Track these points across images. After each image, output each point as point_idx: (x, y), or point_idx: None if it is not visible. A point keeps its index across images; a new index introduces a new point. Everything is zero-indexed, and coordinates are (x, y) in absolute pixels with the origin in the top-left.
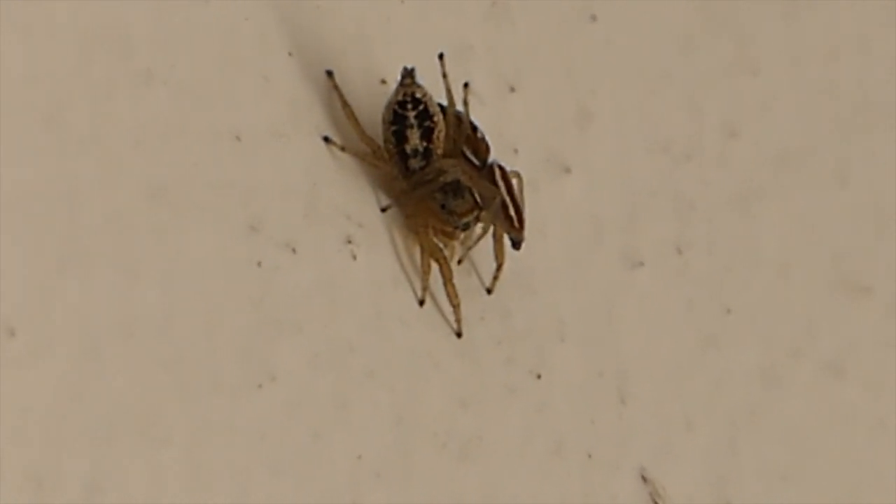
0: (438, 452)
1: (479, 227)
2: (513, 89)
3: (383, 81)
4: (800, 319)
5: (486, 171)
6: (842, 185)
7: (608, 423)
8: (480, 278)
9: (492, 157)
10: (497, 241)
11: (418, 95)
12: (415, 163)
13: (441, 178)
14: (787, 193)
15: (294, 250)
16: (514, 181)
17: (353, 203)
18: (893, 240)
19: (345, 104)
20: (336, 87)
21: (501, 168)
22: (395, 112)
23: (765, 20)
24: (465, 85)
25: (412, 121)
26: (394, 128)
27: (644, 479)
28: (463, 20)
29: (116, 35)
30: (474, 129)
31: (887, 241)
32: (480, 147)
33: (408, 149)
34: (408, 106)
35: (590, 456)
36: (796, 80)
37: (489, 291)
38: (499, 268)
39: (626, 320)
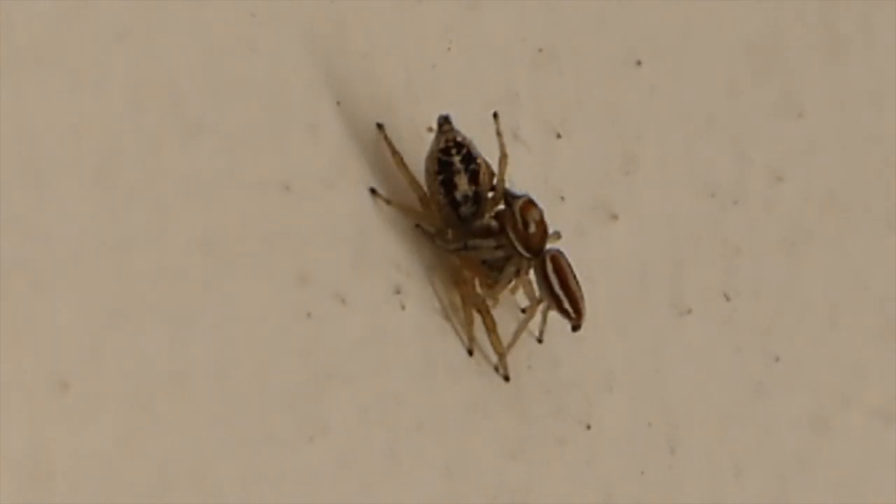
0: None
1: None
2: (559, 136)
3: (430, 129)
4: (849, 366)
5: (539, 262)
6: (889, 229)
7: (658, 474)
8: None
9: (548, 244)
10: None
11: (459, 139)
12: (466, 209)
13: (491, 251)
14: (834, 238)
15: (343, 301)
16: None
17: (401, 253)
18: None
19: (394, 152)
20: (386, 138)
21: (554, 258)
22: (439, 160)
23: (810, 64)
24: (495, 115)
25: (458, 166)
26: (441, 177)
27: None
28: (509, 67)
29: (166, 86)
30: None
31: None
32: (533, 239)
33: (458, 196)
34: (452, 152)
35: None
36: (841, 123)
37: (540, 340)
38: (543, 319)
39: (675, 369)
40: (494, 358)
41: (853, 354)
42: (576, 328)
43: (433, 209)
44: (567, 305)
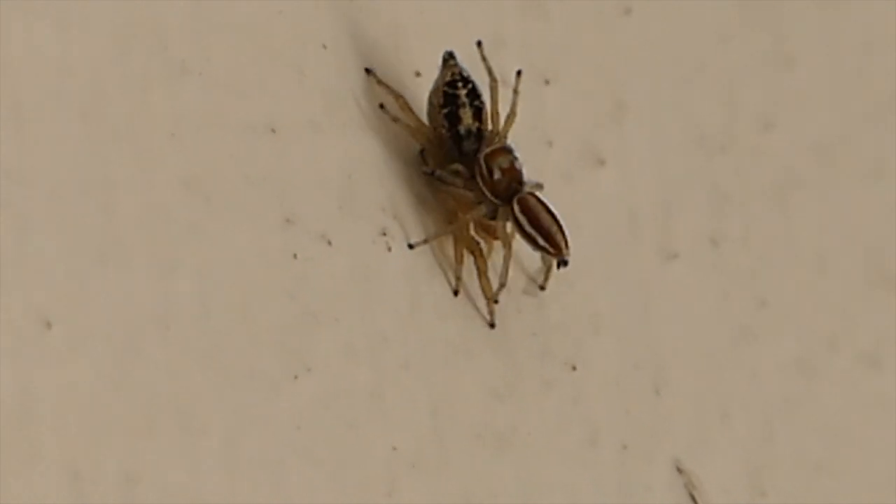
0: (473, 444)
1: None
2: (547, 82)
3: (418, 74)
4: (835, 311)
5: (507, 208)
6: (877, 177)
7: (643, 415)
8: (528, 273)
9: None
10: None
11: (465, 74)
12: (468, 145)
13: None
14: (823, 185)
15: (329, 242)
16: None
17: (387, 195)
18: None
19: (398, 96)
20: (380, 82)
21: (522, 201)
22: (445, 93)
23: (800, 12)
24: (518, 73)
25: (464, 99)
26: (445, 110)
27: (679, 470)
28: (497, 13)
29: (152, 27)
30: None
31: None
32: (499, 185)
33: (461, 129)
34: (458, 85)
35: (625, 447)
36: (832, 71)
37: (542, 287)
38: (549, 268)
39: (662, 312)
40: (481, 300)
41: (840, 299)
42: (561, 264)
43: (436, 149)
44: (542, 242)
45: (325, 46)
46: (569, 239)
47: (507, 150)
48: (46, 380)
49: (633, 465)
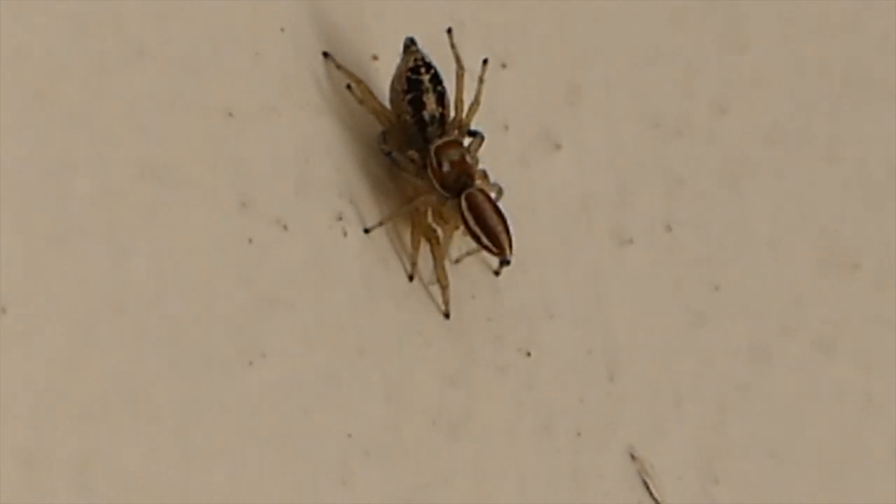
0: (428, 430)
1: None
2: (504, 66)
3: (375, 57)
4: (789, 296)
5: (455, 201)
6: (831, 162)
7: (597, 401)
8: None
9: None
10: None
11: (428, 60)
12: (432, 130)
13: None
14: (777, 170)
15: (285, 227)
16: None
17: (344, 180)
18: (882, 216)
19: (358, 81)
20: (339, 67)
21: (469, 197)
22: (408, 79)
23: None
24: (485, 61)
25: (427, 85)
26: (409, 95)
27: (633, 456)
28: None
29: (109, 10)
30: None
31: (876, 217)
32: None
33: (426, 115)
34: (421, 70)
35: (579, 434)
36: (787, 56)
37: (497, 273)
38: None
39: (616, 297)
40: (436, 287)
41: (794, 285)
42: (503, 263)
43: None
44: (486, 241)
45: (282, 30)
46: (513, 240)
47: (458, 144)
48: (0, 364)
49: (586, 451)
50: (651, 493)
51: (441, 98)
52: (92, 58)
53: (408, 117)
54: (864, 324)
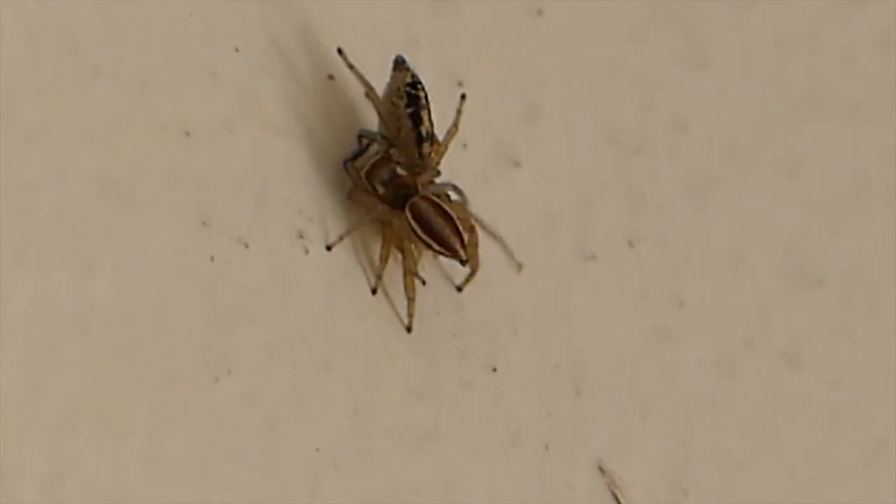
0: (395, 444)
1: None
2: (460, 84)
3: (331, 77)
4: (753, 310)
5: (401, 215)
6: (793, 176)
7: (564, 415)
8: (449, 277)
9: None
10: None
11: (419, 78)
12: (427, 147)
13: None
14: (739, 185)
15: (246, 245)
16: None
17: (304, 197)
18: (845, 230)
19: (370, 88)
20: (351, 66)
21: (413, 206)
22: (408, 94)
23: (714, 12)
24: (463, 96)
25: (423, 101)
26: (409, 110)
27: (601, 470)
28: (409, 14)
29: (63, 30)
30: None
31: (839, 231)
32: (386, 198)
33: (423, 131)
34: (418, 86)
35: (546, 447)
36: (746, 71)
37: (459, 289)
38: (473, 272)
39: (580, 313)
40: (399, 302)
41: (757, 299)
42: (464, 263)
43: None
44: (437, 247)
45: (237, 49)
46: (465, 238)
47: (387, 160)
48: None
49: (554, 465)
50: None
51: (430, 116)
52: (48, 77)
53: (408, 131)
54: (829, 337)
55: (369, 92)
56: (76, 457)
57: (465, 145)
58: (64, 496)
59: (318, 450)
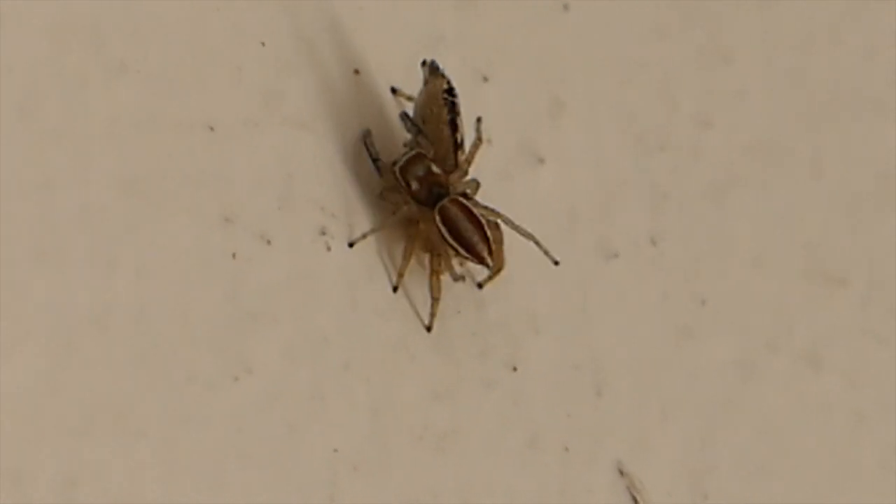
0: (415, 445)
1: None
2: (486, 79)
3: (356, 72)
4: (775, 310)
5: (430, 215)
6: (816, 175)
7: (584, 416)
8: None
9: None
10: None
11: (453, 84)
12: (461, 155)
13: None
14: (761, 184)
15: (269, 242)
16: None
17: (327, 194)
18: (868, 230)
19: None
20: (397, 92)
21: (443, 209)
22: (446, 101)
23: (738, 9)
24: (479, 120)
25: (459, 108)
26: (449, 117)
27: (621, 472)
28: (435, 10)
29: (89, 26)
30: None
31: (862, 231)
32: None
33: (459, 138)
34: (454, 93)
35: (566, 449)
36: (769, 69)
37: (480, 286)
38: (497, 271)
39: (601, 312)
40: (420, 301)
41: (780, 299)
42: (491, 271)
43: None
44: (463, 253)
45: (263, 44)
46: (493, 246)
47: (422, 157)
48: None
49: (574, 467)
50: None
51: (462, 121)
52: (72, 74)
53: (447, 136)
54: (852, 338)
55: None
56: (91, 458)
57: (489, 141)
58: (78, 498)
59: (336, 451)
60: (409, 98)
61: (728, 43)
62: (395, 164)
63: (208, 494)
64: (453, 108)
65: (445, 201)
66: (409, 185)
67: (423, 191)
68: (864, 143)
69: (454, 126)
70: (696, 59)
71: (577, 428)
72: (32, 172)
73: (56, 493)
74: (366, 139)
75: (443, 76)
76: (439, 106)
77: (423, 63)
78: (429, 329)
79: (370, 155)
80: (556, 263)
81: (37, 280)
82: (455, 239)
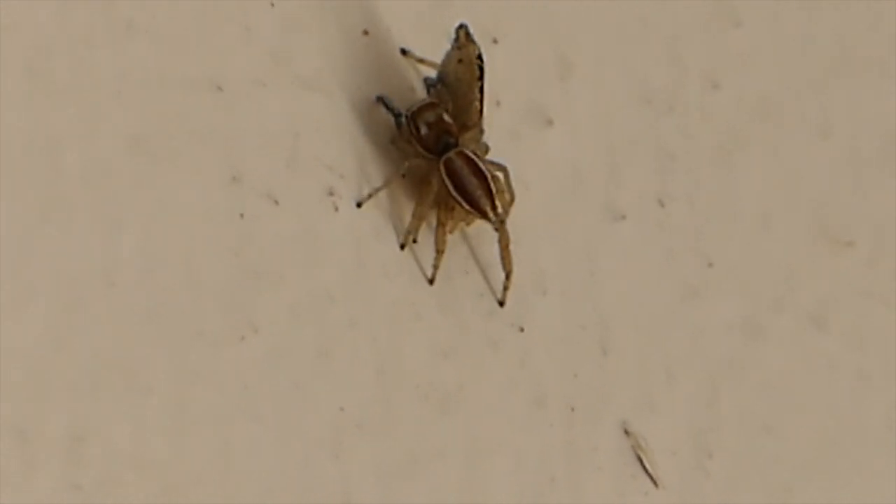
0: (420, 404)
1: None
2: (495, 41)
3: (365, 32)
4: (781, 271)
5: (436, 166)
6: (823, 136)
7: (590, 376)
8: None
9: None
10: (503, 248)
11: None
12: (481, 118)
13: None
14: (769, 145)
15: (276, 201)
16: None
17: (335, 154)
18: (874, 191)
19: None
20: (421, 60)
21: (447, 162)
22: (479, 67)
23: None
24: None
25: (485, 74)
26: (480, 82)
27: (626, 431)
28: None
29: None
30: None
31: (868, 192)
32: (426, 141)
33: (483, 102)
34: (482, 59)
35: (572, 409)
36: (777, 30)
37: (501, 304)
38: (507, 276)
39: (608, 273)
40: (426, 260)
41: (786, 259)
42: (495, 226)
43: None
44: (466, 206)
45: (272, 4)
46: (496, 200)
47: (435, 105)
48: None
49: (580, 426)
50: (645, 468)
51: None
52: (80, 33)
53: (477, 102)
54: (857, 299)
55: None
56: (99, 415)
57: (497, 103)
58: (86, 455)
59: (342, 409)
60: (421, 60)
61: (737, 5)
62: (408, 109)
63: (214, 452)
64: (482, 74)
65: (452, 153)
66: (418, 129)
67: (432, 137)
68: (871, 106)
69: (482, 90)
70: (705, 21)
71: (582, 388)
72: (40, 131)
73: (63, 448)
74: (383, 100)
75: (474, 42)
76: (472, 70)
77: (460, 27)
78: (431, 282)
79: (392, 112)
80: (501, 304)
81: (44, 238)
82: (458, 192)
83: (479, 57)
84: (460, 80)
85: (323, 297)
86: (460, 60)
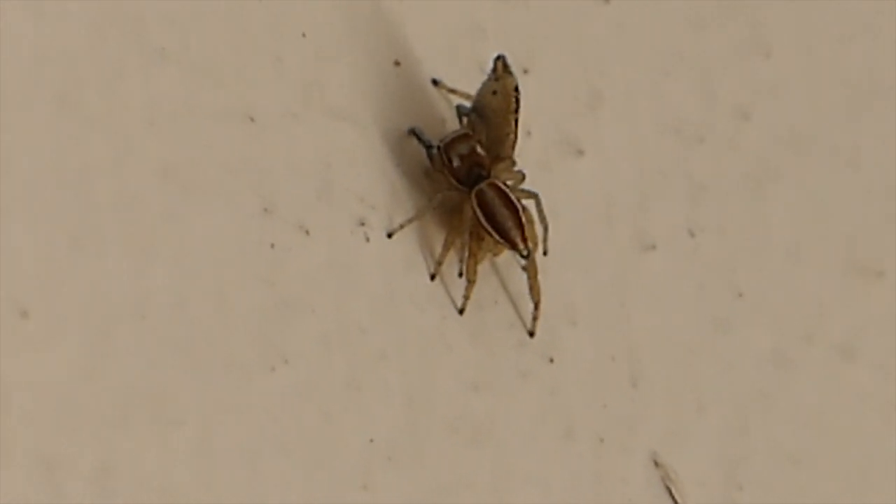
0: (450, 436)
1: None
2: (526, 71)
3: (397, 63)
4: (811, 303)
5: (468, 197)
6: (854, 168)
7: (620, 407)
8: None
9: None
10: (531, 278)
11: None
12: (514, 150)
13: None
14: (799, 176)
15: (307, 232)
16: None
17: (366, 185)
18: None
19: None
20: (452, 91)
21: (479, 193)
22: (516, 99)
23: (777, 1)
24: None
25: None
26: (516, 115)
27: (656, 463)
28: (476, 1)
29: (130, 14)
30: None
31: None
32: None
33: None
34: (519, 90)
35: (602, 440)
36: (808, 62)
37: (531, 334)
38: (536, 306)
39: (638, 303)
40: (457, 292)
41: (816, 291)
42: (523, 257)
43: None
44: (497, 237)
45: (304, 35)
46: (527, 232)
47: (468, 136)
48: (21, 369)
49: (609, 458)
50: (674, 499)
51: None
52: (112, 63)
53: (512, 134)
54: (887, 330)
55: (475, 102)
56: (128, 446)
57: (528, 133)
58: (116, 486)
59: (371, 440)
60: (452, 90)
61: (767, 35)
62: (441, 140)
63: (244, 483)
64: (518, 105)
65: (483, 184)
66: (450, 161)
67: (464, 169)
68: None
69: (517, 122)
70: (735, 52)
71: (612, 419)
72: (72, 161)
73: (91, 481)
74: (415, 132)
75: (512, 74)
76: (509, 101)
77: (498, 58)
78: (461, 312)
79: (424, 144)
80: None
81: (75, 268)
82: (490, 223)
83: (517, 89)
84: (496, 112)
85: (353, 328)
86: (495, 92)
